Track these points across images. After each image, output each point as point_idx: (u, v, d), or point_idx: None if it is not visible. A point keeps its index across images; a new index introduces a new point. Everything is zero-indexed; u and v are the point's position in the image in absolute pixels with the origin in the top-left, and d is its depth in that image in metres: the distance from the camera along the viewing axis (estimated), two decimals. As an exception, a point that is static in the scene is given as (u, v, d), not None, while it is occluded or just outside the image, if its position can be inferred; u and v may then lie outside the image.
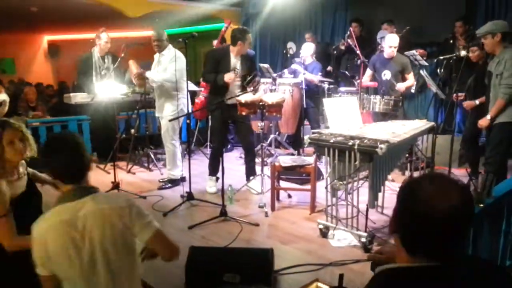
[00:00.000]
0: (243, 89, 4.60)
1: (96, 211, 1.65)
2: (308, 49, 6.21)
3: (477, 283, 1.16)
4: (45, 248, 1.61)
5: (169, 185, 5.02)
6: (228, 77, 4.50)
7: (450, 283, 1.12)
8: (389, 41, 5.18)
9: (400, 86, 5.11)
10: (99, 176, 5.44)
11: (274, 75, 6.53)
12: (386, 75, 5.23)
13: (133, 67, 5.05)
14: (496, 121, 4.07)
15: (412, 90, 5.86)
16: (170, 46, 4.91)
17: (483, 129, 4.26)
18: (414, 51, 5.63)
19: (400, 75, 5.23)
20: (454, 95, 4.21)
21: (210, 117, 6.38)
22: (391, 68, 5.22)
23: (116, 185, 4.67)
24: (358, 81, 5.12)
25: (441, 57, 4.74)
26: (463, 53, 4.29)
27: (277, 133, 6.56)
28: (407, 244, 1.16)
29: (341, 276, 1.88)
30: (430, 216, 1.08)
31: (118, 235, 1.67)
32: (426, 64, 5.72)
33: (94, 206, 1.65)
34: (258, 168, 4.79)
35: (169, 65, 4.75)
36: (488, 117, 4.09)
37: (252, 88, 4.48)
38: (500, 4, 6.23)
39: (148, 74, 4.89)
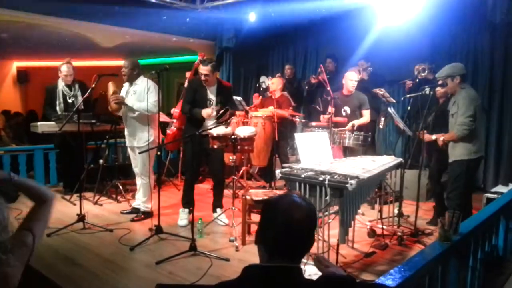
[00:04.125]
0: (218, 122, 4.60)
1: None
2: (277, 83, 6.37)
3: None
4: None
5: (142, 216, 4.89)
6: (205, 113, 4.51)
7: (300, 279, 1.42)
8: (350, 76, 5.43)
9: (355, 123, 5.25)
10: (64, 208, 5.25)
11: (247, 108, 6.59)
12: (346, 110, 5.41)
13: (111, 90, 4.94)
14: (453, 159, 4.29)
15: (381, 126, 6.02)
16: (142, 77, 4.82)
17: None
18: (382, 88, 5.82)
19: (359, 110, 5.43)
20: (420, 132, 4.38)
21: (182, 148, 6.34)
22: (350, 104, 5.41)
23: (81, 218, 4.52)
24: (329, 116, 5.23)
25: (408, 96, 4.91)
26: (427, 90, 4.53)
27: (249, 165, 6.56)
28: (268, 249, 1.45)
29: None
30: (287, 224, 1.41)
31: None
32: (394, 101, 5.91)
33: None
34: (229, 201, 4.75)
35: (146, 95, 4.65)
36: (442, 138, 4.33)
37: (224, 122, 4.49)
38: (461, 46, 6.61)
39: (128, 101, 4.73)
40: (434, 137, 4.37)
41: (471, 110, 4.11)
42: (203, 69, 4.56)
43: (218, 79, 4.82)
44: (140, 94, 4.71)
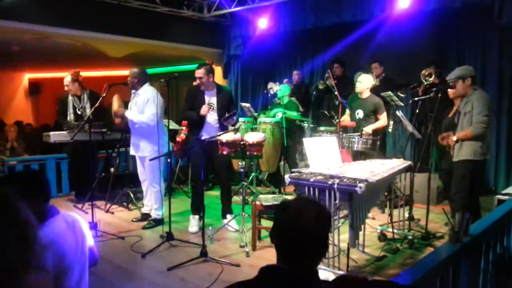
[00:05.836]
0: (221, 125, 4.64)
1: None
2: (285, 89, 6.40)
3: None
4: None
5: (154, 223, 4.94)
6: (202, 110, 4.58)
7: (316, 281, 1.44)
8: (361, 78, 5.32)
9: (367, 130, 5.12)
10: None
11: (256, 114, 6.63)
12: (359, 114, 5.36)
13: (116, 103, 5.02)
14: (458, 159, 4.24)
15: (390, 130, 6.00)
16: (146, 86, 4.85)
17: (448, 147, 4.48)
18: (390, 92, 5.81)
19: (373, 115, 5.33)
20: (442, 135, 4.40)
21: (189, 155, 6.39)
22: (363, 107, 5.33)
23: (93, 226, 4.57)
24: (337, 120, 5.23)
25: (416, 98, 4.90)
26: (432, 94, 4.53)
27: (258, 171, 6.58)
28: (281, 250, 1.47)
29: None
30: (295, 226, 1.42)
31: None
32: (402, 104, 5.89)
33: None
34: (239, 207, 4.77)
35: (146, 107, 4.73)
36: (454, 138, 4.26)
37: (233, 127, 4.53)
38: (469, 49, 6.61)
39: (127, 114, 4.83)
40: (455, 138, 4.32)
41: (487, 109, 4.11)
42: (197, 73, 4.64)
43: (217, 84, 4.88)
44: (140, 105, 4.79)
